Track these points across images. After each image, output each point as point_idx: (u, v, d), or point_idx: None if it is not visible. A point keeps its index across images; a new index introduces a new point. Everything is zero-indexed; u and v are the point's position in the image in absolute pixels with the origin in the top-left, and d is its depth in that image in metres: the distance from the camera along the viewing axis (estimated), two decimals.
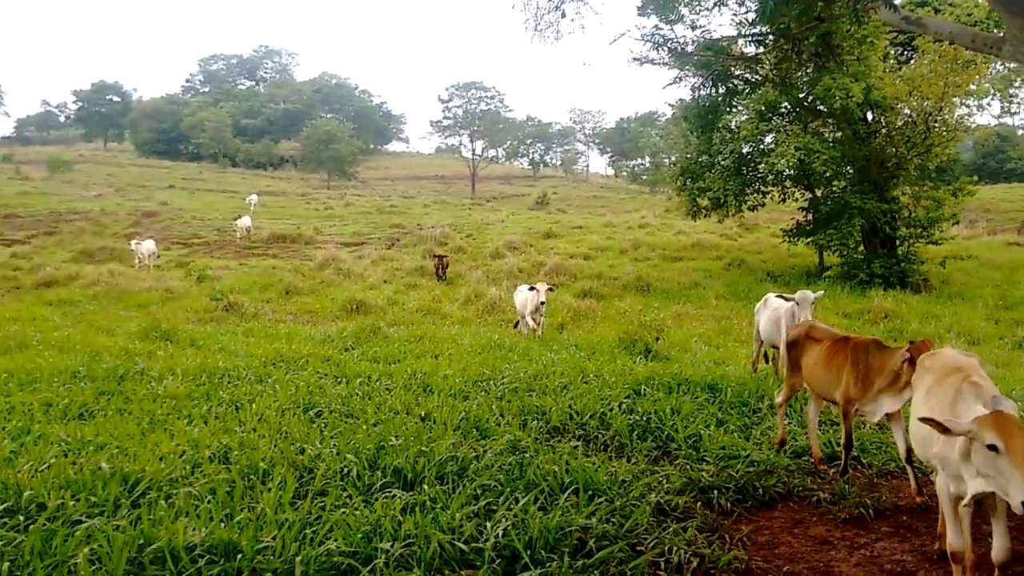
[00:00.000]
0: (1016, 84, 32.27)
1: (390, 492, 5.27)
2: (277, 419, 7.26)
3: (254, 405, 7.84)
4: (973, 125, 26.33)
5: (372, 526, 4.68)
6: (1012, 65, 22.75)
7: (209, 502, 5.05)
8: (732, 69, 20.88)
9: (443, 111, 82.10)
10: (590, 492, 5.48)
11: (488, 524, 4.79)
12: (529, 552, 4.59)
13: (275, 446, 6.27)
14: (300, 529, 4.65)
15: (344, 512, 4.87)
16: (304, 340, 13.00)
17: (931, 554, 5.03)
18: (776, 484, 6.05)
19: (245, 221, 33.26)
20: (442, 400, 8.01)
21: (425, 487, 5.34)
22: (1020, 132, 48.18)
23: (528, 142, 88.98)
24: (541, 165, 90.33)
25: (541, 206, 54.23)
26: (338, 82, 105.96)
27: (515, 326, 14.58)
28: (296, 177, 72.12)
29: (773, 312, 9.41)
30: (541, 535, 4.74)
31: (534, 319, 13.83)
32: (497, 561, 4.47)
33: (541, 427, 7.21)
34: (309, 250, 27.86)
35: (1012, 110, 37.98)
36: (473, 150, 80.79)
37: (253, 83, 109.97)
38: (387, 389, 8.72)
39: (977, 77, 21.69)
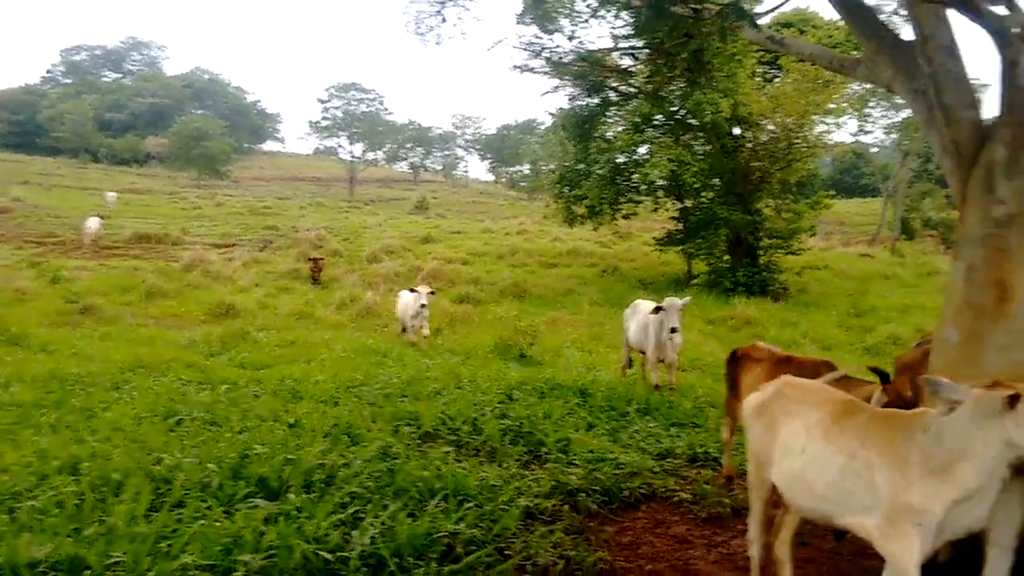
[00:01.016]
0: (871, 104, 34.48)
1: (253, 502, 5.09)
2: (134, 427, 6.92)
3: (109, 413, 7.46)
4: (831, 142, 27.97)
5: (232, 537, 4.51)
6: (867, 85, 24.29)
7: (56, 516, 4.76)
8: (607, 80, 21.50)
9: (322, 112, 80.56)
10: (460, 497, 5.47)
11: (355, 532, 4.71)
12: (397, 559, 4.53)
13: (130, 456, 5.96)
14: (154, 542, 4.44)
15: (203, 524, 4.68)
16: (167, 345, 12.46)
17: None
18: (641, 486, 6.22)
19: (92, 224, 27.41)
20: (312, 406, 7.84)
21: (291, 496, 5.19)
22: (874, 150, 51.40)
23: (408, 146, 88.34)
24: (421, 169, 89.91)
25: (420, 211, 53.96)
26: (211, 77, 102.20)
27: (403, 331, 14.17)
28: (163, 175, 69.05)
29: (642, 318, 9.67)
30: (409, 542, 4.69)
31: (416, 323, 13.55)
32: (363, 569, 4.40)
33: (413, 433, 7.15)
34: (176, 251, 26.68)
35: (867, 129, 40.42)
36: (352, 152, 79.63)
37: (119, 75, 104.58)
38: (255, 395, 8.46)
39: (835, 96, 23.06)
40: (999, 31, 4.16)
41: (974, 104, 4.43)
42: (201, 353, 11.88)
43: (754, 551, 4.49)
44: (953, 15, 4.46)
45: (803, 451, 3.85)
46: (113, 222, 32.84)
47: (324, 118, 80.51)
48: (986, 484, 3.33)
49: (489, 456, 6.78)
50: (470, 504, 5.36)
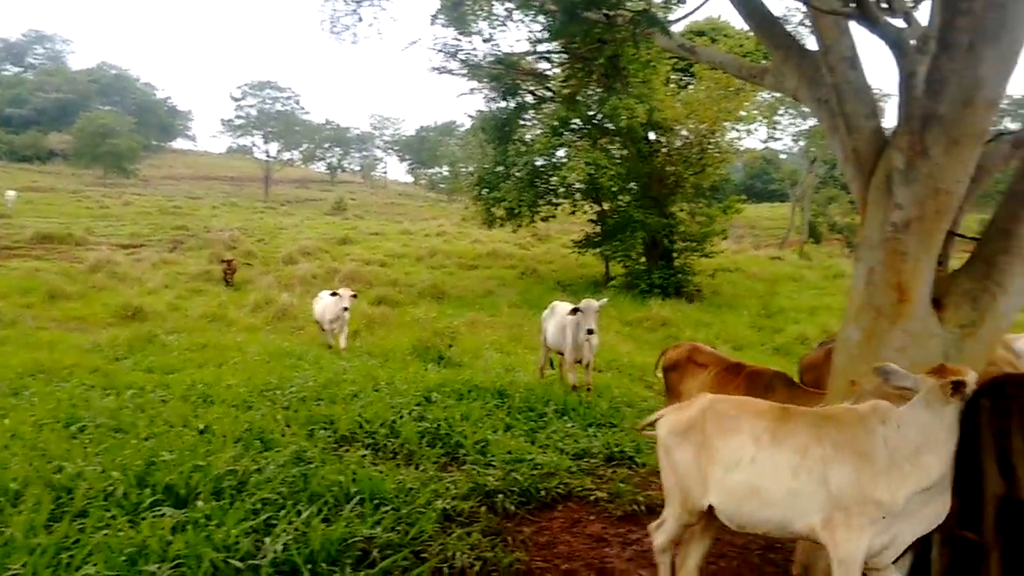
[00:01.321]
0: (780, 112, 35.59)
1: (159, 511, 4.92)
2: (33, 435, 6.61)
3: (6, 420, 7.11)
4: (742, 148, 28.79)
5: (137, 547, 4.36)
6: (776, 94, 25.07)
7: None
8: (522, 84, 21.65)
9: (235, 110, 78.52)
10: (377, 501, 5.42)
11: (267, 539, 4.61)
12: (310, 566, 4.46)
13: (30, 464, 5.69)
14: (55, 554, 4.25)
15: (106, 534, 4.50)
16: (69, 348, 11.97)
17: None
18: (558, 486, 6.28)
19: None
20: (223, 411, 7.63)
21: (200, 503, 5.05)
22: (783, 156, 53.02)
23: (326, 146, 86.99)
24: (339, 170, 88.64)
25: (338, 212, 53.24)
26: (118, 73, 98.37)
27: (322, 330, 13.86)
28: (67, 173, 66.20)
29: (560, 319, 9.74)
30: (323, 547, 4.62)
31: (335, 327, 13.24)
32: None
33: (329, 437, 7.04)
34: (80, 252, 25.62)
35: (776, 136, 41.70)
36: (267, 152, 77.91)
37: (20, 70, 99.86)
38: (162, 401, 8.19)
39: (746, 104, 23.75)
40: (897, 43, 4.33)
41: (874, 113, 4.61)
42: (106, 357, 11.45)
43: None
44: (855, 27, 4.64)
45: (753, 461, 3.73)
46: (13, 221, 31.39)
47: (238, 116, 78.47)
48: (947, 472, 3.44)
49: (406, 459, 6.73)
50: (387, 508, 5.31)
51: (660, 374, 6.84)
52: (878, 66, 7.92)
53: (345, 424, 7.30)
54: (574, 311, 9.45)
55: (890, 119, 4.64)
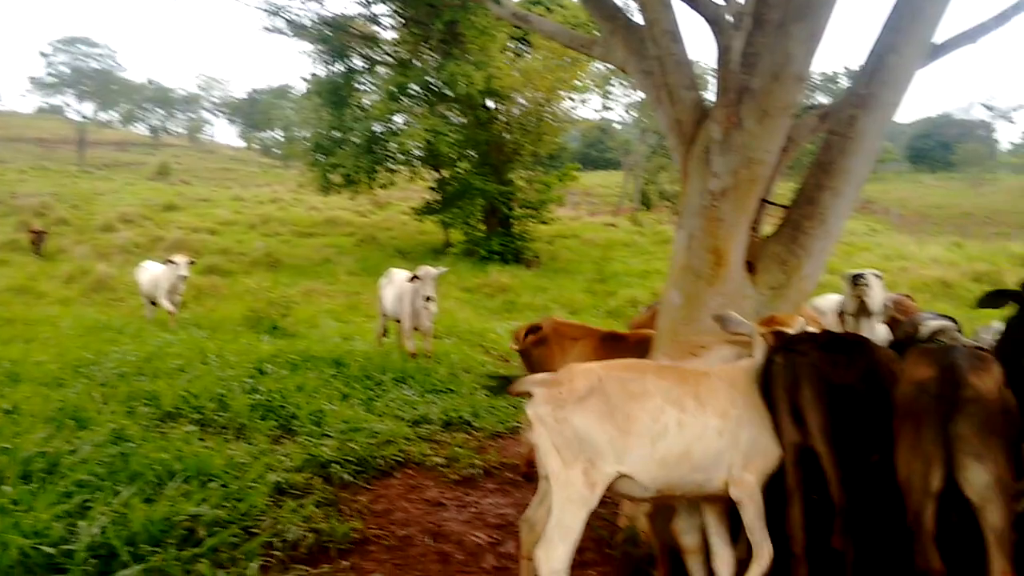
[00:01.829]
0: (613, 83, 36.62)
1: None
2: None
3: None
4: (578, 117, 29.45)
5: None
6: (610, 65, 25.72)
7: None
8: (351, 46, 21.18)
9: (45, 67, 72.34)
10: (204, 478, 5.20)
11: (83, 523, 4.33)
12: (130, 548, 4.23)
13: None
14: None
15: None
16: None
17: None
18: (395, 453, 6.26)
19: None
20: (33, 390, 7.09)
21: (6, 488, 4.67)
22: (616, 126, 54.79)
23: (147, 107, 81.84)
24: (162, 132, 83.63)
25: (162, 176, 50.26)
26: None
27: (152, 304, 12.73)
28: None
29: (397, 287, 9.67)
30: (145, 528, 4.39)
31: (171, 299, 12.24)
32: (92, 562, 4.06)
33: (152, 413, 6.67)
34: None
35: (609, 106, 42.97)
36: (81, 112, 72.37)
37: None
38: None
39: (581, 74, 24.24)
40: (715, 19, 4.53)
41: (694, 85, 4.80)
42: None
43: None
44: (677, 2, 4.81)
45: (681, 425, 3.63)
46: None
47: (49, 74, 72.40)
48: None
49: (237, 433, 6.50)
50: (215, 484, 5.11)
51: (514, 346, 6.48)
52: (701, 40, 8.25)
53: (169, 399, 6.94)
54: (413, 278, 9.41)
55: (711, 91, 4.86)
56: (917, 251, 26.12)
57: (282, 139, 73.29)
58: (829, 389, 3.73)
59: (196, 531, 4.51)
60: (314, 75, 24.28)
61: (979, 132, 76.40)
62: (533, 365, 5.85)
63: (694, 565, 4.06)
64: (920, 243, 29.68)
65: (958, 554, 3.78)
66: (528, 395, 3.60)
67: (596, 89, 27.05)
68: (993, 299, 4.71)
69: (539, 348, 5.90)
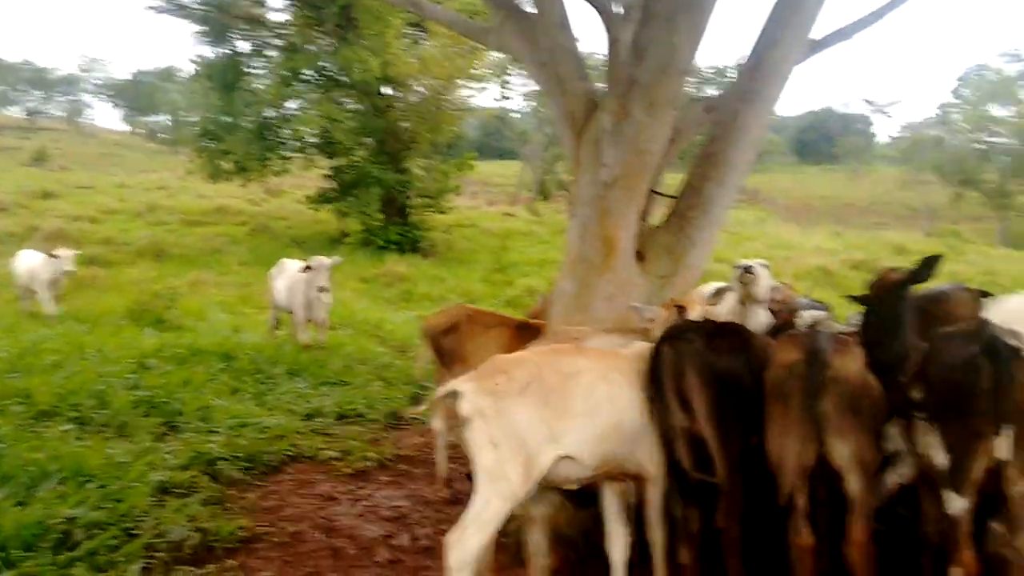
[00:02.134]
0: (510, 72, 36.64)
1: None
2: None
3: None
4: (476, 106, 29.34)
5: None
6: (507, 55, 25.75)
7: None
8: (234, 28, 20.56)
9: None
10: (82, 479, 4.97)
11: None
12: (2, 553, 4.00)
13: None
14: None
15: None
16: None
17: (423, 498, 5.53)
18: (287, 448, 6.14)
19: None
20: None
21: None
22: (515, 115, 54.95)
23: (22, 88, 77.24)
24: (39, 115, 79.09)
25: (39, 162, 47.49)
26: None
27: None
28: None
29: (289, 278, 9.45)
30: (16, 532, 4.17)
31: (55, 292, 11.46)
32: None
33: (24, 412, 6.32)
34: None
35: (507, 95, 42.96)
36: None
37: None
38: None
39: (478, 63, 24.15)
40: (604, 10, 4.59)
41: (584, 76, 4.86)
42: None
43: None
44: None
45: (611, 398, 3.76)
46: None
47: None
48: None
49: (118, 431, 6.23)
50: (92, 485, 4.89)
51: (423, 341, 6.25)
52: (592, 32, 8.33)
53: (44, 397, 6.58)
54: (306, 268, 9.21)
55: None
56: (801, 240, 27.25)
57: (169, 123, 70.48)
58: (713, 375, 3.85)
59: (72, 534, 4.32)
60: (201, 57, 23.38)
61: (858, 126, 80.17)
62: (444, 354, 5.81)
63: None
64: (804, 232, 30.97)
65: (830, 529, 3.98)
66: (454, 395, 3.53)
67: (494, 78, 26.86)
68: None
69: (450, 336, 5.78)
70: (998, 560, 3.42)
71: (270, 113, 22.53)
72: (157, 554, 4.32)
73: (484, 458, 3.47)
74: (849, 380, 3.63)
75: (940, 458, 3.41)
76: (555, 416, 3.58)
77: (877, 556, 3.97)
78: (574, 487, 4.01)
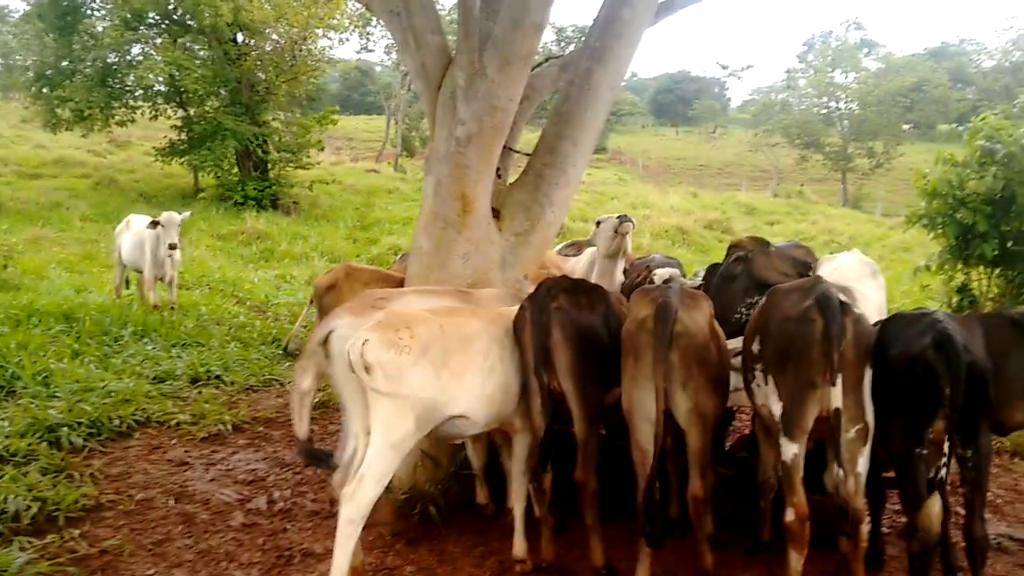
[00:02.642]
0: (373, 23, 35.68)
1: None
2: None
3: None
4: (336, 58, 28.45)
5: None
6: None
7: None
8: None
9: None
10: None
11: None
12: None
13: None
14: None
15: None
16: None
17: (281, 460, 5.46)
18: (134, 413, 5.91)
19: None
20: None
21: None
22: (378, 69, 53.64)
23: None
24: None
25: None
26: None
27: None
28: None
29: (136, 234, 8.97)
30: None
31: None
32: None
33: None
34: None
35: (370, 47, 41.88)
36: None
37: None
38: None
39: (338, 12, 23.40)
40: None
41: (440, 30, 4.80)
42: None
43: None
44: None
45: (502, 361, 3.98)
46: None
47: None
48: None
49: None
50: None
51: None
52: None
53: None
54: (154, 224, 8.77)
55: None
56: (659, 200, 28.15)
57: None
58: (575, 332, 3.96)
59: None
60: None
61: (713, 89, 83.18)
62: (324, 312, 5.62)
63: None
64: (662, 192, 32.02)
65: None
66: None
67: (354, 28, 26.04)
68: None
69: (331, 294, 5.67)
70: (832, 504, 3.68)
71: (112, 58, 21.12)
72: None
73: (381, 411, 3.53)
74: (695, 333, 3.81)
75: (776, 407, 3.64)
76: (455, 378, 3.73)
77: (722, 501, 4.26)
78: (458, 442, 4.13)
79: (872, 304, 5.05)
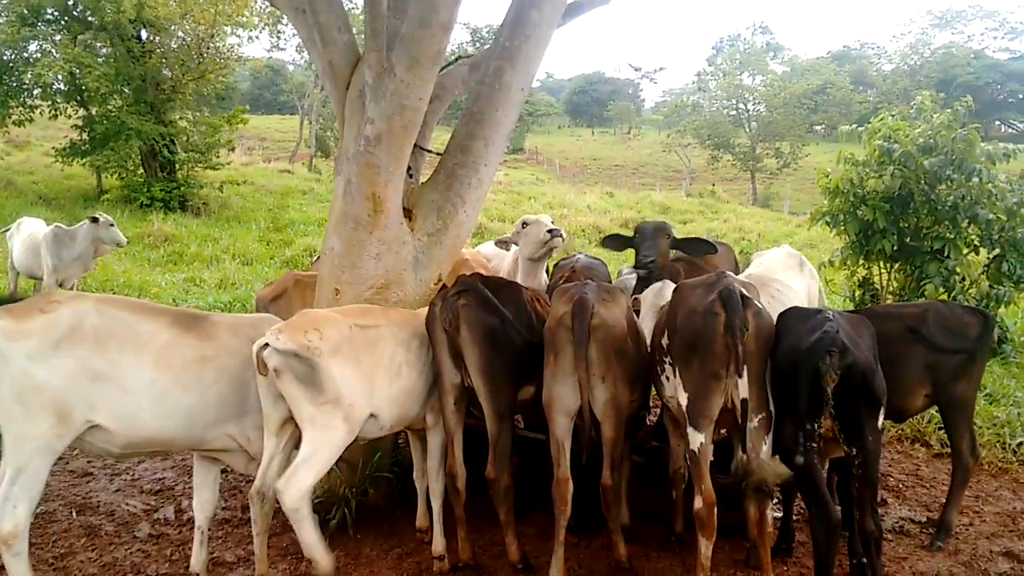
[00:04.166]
0: (283, 21, 34.94)
1: None
2: None
3: None
4: (245, 56, 27.75)
5: None
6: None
7: None
8: None
9: None
10: None
11: None
12: None
13: None
14: None
15: None
16: None
17: (190, 468, 5.28)
18: None
19: None
20: None
21: None
22: (291, 67, 52.61)
23: None
24: None
25: None
26: None
27: None
28: None
29: (29, 238, 8.60)
30: None
31: None
32: None
33: None
34: None
35: (281, 45, 40.91)
36: None
37: None
38: None
39: (246, 10, 22.86)
40: None
41: (347, 27, 4.73)
42: None
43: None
44: None
45: (409, 364, 4.06)
46: None
47: None
48: None
49: None
50: None
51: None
52: None
53: None
54: (94, 220, 8.50)
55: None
56: (576, 200, 28.47)
57: None
58: (484, 329, 3.97)
59: None
60: None
61: (627, 91, 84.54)
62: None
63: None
64: (579, 192, 32.37)
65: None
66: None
67: (265, 26, 25.47)
68: (612, 241, 5.40)
69: (278, 303, 5.54)
70: (740, 490, 3.77)
71: (7, 55, 20.18)
72: None
73: (303, 410, 3.59)
74: (611, 327, 3.87)
75: (683, 398, 3.72)
76: (365, 378, 3.80)
77: (635, 489, 4.33)
78: (364, 442, 4.11)
79: (797, 294, 5.30)
